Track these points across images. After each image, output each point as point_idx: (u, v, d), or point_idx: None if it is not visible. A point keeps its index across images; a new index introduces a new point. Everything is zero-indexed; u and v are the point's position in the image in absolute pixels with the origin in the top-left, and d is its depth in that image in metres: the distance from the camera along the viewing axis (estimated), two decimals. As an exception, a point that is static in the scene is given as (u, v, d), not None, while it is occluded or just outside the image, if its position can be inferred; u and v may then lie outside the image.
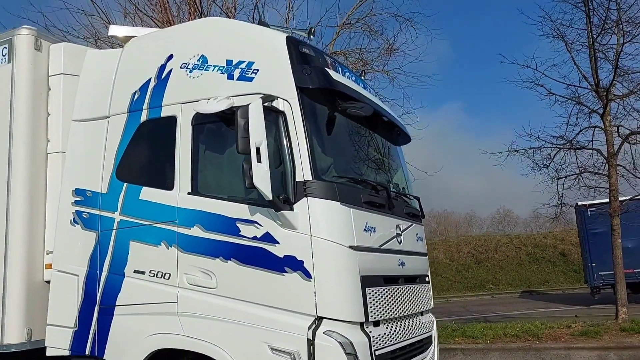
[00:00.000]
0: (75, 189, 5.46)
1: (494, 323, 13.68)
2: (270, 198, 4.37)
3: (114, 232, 5.19)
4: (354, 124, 5.42)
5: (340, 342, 4.31)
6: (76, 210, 5.41)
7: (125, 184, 5.24)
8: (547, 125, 20.85)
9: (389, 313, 4.96)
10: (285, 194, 4.53)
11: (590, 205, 20.57)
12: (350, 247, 4.57)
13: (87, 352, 5.14)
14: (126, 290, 5.05)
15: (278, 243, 4.55)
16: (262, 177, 4.33)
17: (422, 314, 5.91)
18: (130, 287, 5.03)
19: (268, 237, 4.58)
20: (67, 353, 5.26)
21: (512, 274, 37.80)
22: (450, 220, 59.84)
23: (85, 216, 5.36)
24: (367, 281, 4.68)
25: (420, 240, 6.14)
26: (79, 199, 5.43)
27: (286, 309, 4.46)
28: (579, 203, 20.51)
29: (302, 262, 4.45)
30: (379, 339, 4.74)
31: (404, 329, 5.26)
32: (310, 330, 4.35)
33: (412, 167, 13.27)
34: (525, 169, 20.35)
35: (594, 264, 21.37)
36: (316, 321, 4.38)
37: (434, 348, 6.05)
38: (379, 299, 4.83)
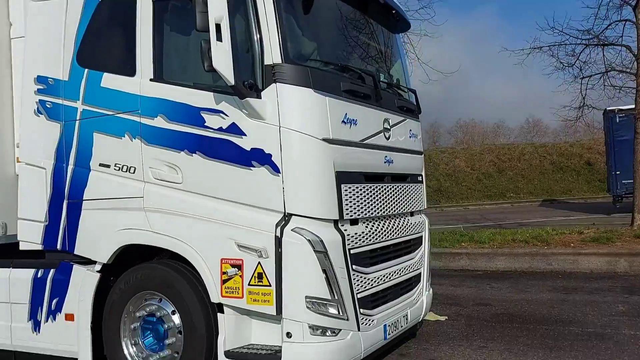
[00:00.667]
0: (37, 76, 5.05)
1: (505, 229, 13.40)
2: (232, 82, 3.91)
3: (77, 122, 4.83)
4: (339, 2, 4.80)
5: (309, 240, 4.00)
6: (39, 100, 5.03)
7: (86, 70, 4.80)
8: (573, 17, 19.34)
9: (369, 211, 4.61)
10: (253, 80, 4.06)
11: (620, 111, 19.53)
12: (324, 139, 4.14)
13: (59, 247, 4.96)
14: (92, 184, 4.77)
15: (245, 135, 4.15)
16: (222, 57, 3.85)
17: (411, 214, 5.57)
18: (96, 181, 4.75)
19: (234, 129, 4.17)
20: (39, 247, 5.09)
21: (534, 183, 37.19)
22: (477, 130, 58.62)
23: (48, 106, 4.99)
24: (344, 177, 4.29)
25: (414, 137, 5.67)
26: (42, 87, 5.03)
27: (254, 205, 4.14)
28: (608, 109, 19.50)
29: (270, 155, 4.07)
30: (355, 238, 4.42)
31: (387, 228, 4.93)
32: (279, 228, 4.04)
33: (428, 67, 12.55)
34: (548, 68, 19.12)
35: (618, 172, 20.61)
36: (285, 218, 4.06)
37: (424, 249, 5.75)
38: (358, 197, 4.46)
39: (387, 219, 4.98)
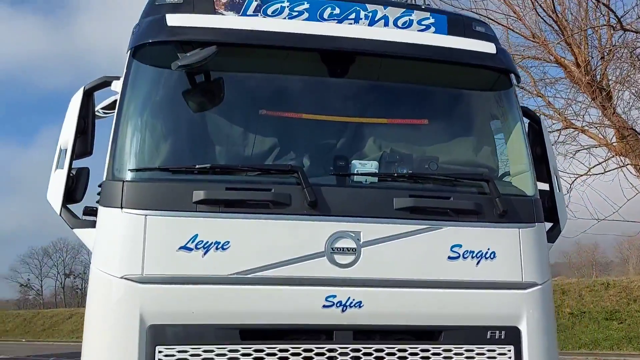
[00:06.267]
0: None
1: None
2: (58, 212, 3.32)
3: None
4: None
5: None
6: None
7: None
8: None
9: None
10: (101, 205, 3.33)
11: None
12: (126, 277, 2.86)
13: None
14: None
15: None
16: (55, 185, 3.35)
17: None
18: None
19: None
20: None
21: None
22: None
23: None
24: (168, 334, 2.80)
25: (470, 258, 3.12)
26: None
27: None
28: None
29: None
30: None
31: None
32: None
33: None
34: None
35: None
36: None
37: None
38: None
39: None
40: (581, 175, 10.55)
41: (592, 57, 10.44)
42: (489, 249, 3.14)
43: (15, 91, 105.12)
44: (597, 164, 10.58)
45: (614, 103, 10.16)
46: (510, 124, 3.61)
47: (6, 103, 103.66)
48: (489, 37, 3.68)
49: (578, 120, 10.75)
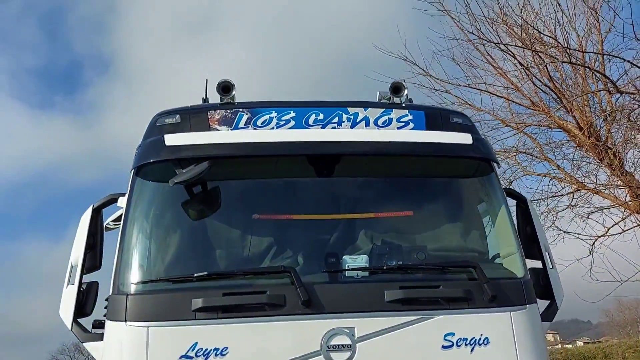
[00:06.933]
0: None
1: None
2: (69, 327, 3.49)
3: None
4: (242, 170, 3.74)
5: None
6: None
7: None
8: None
9: None
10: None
11: None
12: (131, 389, 2.99)
13: None
14: None
15: None
16: (67, 301, 3.55)
17: None
18: None
19: None
20: None
21: None
22: None
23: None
24: None
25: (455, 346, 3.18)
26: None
27: None
28: None
29: None
30: None
31: None
32: None
33: None
34: None
35: None
36: None
37: None
38: None
39: None
40: (600, 237, 10.46)
41: (595, 120, 10.61)
42: (482, 335, 3.21)
43: (45, 190, 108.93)
44: (614, 224, 10.50)
45: (622, 163, 10.21)
46: (495, 208, 3.77)
47: (38, 201, 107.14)
48: (466, 127, 3.91)
49: (590, 182, 10.79)
